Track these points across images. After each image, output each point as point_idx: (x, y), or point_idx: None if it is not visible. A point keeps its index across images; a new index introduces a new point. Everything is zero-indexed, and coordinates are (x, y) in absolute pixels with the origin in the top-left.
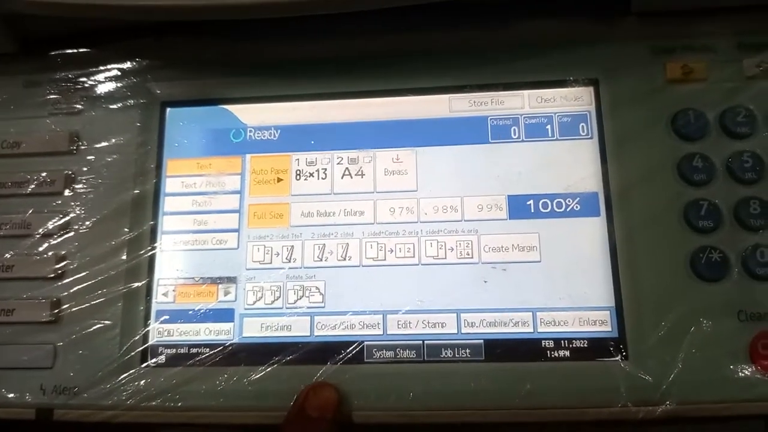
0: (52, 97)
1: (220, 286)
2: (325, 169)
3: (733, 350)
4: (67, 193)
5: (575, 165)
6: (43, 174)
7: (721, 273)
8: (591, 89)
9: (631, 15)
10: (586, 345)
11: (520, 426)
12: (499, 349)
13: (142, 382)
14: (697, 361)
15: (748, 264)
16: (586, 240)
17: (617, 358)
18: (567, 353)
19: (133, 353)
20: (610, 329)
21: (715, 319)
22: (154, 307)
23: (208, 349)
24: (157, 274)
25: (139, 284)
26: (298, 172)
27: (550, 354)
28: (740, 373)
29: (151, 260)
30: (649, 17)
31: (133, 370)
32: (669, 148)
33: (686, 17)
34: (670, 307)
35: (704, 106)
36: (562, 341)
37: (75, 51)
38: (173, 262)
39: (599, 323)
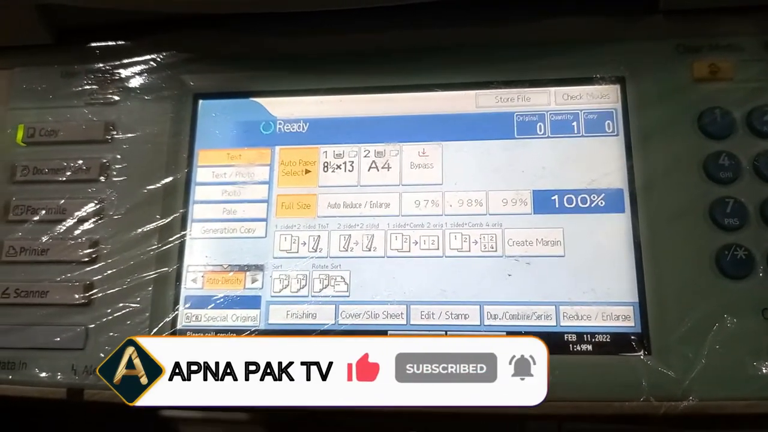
0: (88, 87)
1: (247, 273)
2: (352, 162)
3: (756, 348)
4: (101, 180)
5: (600, 161)
6: (79, 161)
7: (746, 271)
8: (617, 87)
9: (659, 13)
10: (608, 339)
11: (541, 418)
12: None
13: None
14: (720, 358)
15: None
16: (611, 235)
17: (640, 353)
18: (589, 347)
19: None
20: (633, 324)
21: (739, 316)
22: (183, 293)
23: (234, 335)
24: (186, 261)
25: (169, 270)
26: (325, 164)
27: (573, 348)
28: (763, 371)
29: (181, 247)
30: (676, 15)
31: None
32: (695, 146)
33: (713, 16)
34: (693, 304)
35: (731, 105)
36: (585, 335)
37: (111, 43)
38: (202, 250)
39: (622, 318)
